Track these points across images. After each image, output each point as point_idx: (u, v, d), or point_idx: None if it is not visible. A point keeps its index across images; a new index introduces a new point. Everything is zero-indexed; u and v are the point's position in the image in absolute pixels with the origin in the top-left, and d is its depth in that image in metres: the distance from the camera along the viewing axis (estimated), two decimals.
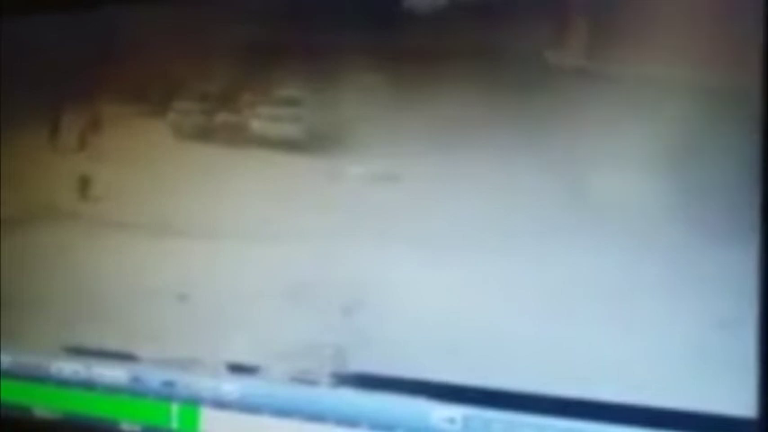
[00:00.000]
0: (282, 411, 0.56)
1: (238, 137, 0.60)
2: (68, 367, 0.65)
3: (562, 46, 0.49)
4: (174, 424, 0.61)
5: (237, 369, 0.58)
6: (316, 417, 0.55)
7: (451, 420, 0.51)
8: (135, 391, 0.62)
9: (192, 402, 0.60)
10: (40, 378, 0.66)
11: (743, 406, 0.44)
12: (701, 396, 0.45)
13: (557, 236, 0.49)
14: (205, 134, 0.61)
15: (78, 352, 0.65)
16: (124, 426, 0.62)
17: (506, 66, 0.51)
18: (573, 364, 0.48)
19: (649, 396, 0.46)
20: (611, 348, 0.47)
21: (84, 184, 0.66)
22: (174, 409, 0.61)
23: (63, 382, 0.65)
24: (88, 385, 0.64)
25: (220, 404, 0.59)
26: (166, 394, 0.61)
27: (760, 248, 0.44)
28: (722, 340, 0.44)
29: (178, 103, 0.62)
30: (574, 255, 0.48)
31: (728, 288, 0.44)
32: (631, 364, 0.46)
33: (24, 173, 0.69)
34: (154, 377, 0.61)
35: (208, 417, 0.59)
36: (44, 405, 0.66)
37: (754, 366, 0.43)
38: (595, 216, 0.48)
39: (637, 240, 0.47)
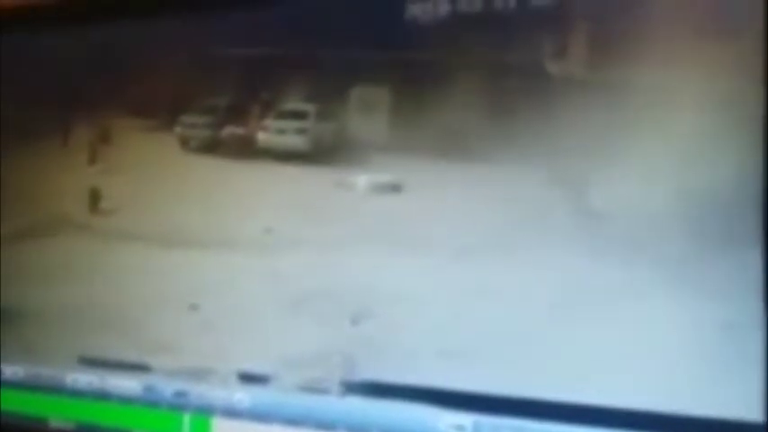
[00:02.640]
0: (293, 420, 0.56)
1: (245, 149, 0.61)
2: (83, 378, 0.65)
3: (564, 56, 0.50)
4: None
5: (248, 378, 0.59)
6: (326, 425, 0.55)
7: (460, 428, 0.51)
8: (148, 402, 0.63)
9: (204, 412, 0.60)
10: (55, 389, 0.67)
11: (750, 410, 0.44)
12: (709, 401, 0.45)
13: (562, 242, 0.49)
14: (213, 147, 0.62)
15: (92, 363, 0.65)
16: None
17: (509, 76, 0.51)
18: (581, 369, 0.48)
19: (657, 401, 0.46)
20: (618, 354, 0.47)
21: (95, 197, 0.67)
22: (187, 419, 0.61)
23: (77, 393, 0.66)
24: (102, 396, 0.65)
25: (232, 413, 0.59)
26: (179, 404, 0.61)
27: (764, 251, 0.44)
28: (728, 345, 0.44)
29: (186, 117, 0.63)
30: (580, 261, 0.49)
31: (734, 292, 0.44)
32: (639, 370, 0.46)
33: (35, 186, 0.70)
34: (166, 387, 0.62)
35: (220, 426, 0.60)
36: (59, 416, 0.66)
37: (761, 370, 0.43)
38: (600, 223, 0.48)
39: (642, 246, 0.47)
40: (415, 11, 0.54)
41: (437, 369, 0.52)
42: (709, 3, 0.46)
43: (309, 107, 0.58)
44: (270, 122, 0.60)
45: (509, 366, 0.50)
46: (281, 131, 0.60)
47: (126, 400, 0.64)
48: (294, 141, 0.59)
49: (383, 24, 0.55)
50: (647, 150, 0.47)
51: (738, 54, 0.45)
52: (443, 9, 0.53)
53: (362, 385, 0.54)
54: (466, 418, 0.51)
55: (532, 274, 0.50)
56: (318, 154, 0.58)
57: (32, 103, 0.70)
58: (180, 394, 0.61)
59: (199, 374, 0.61)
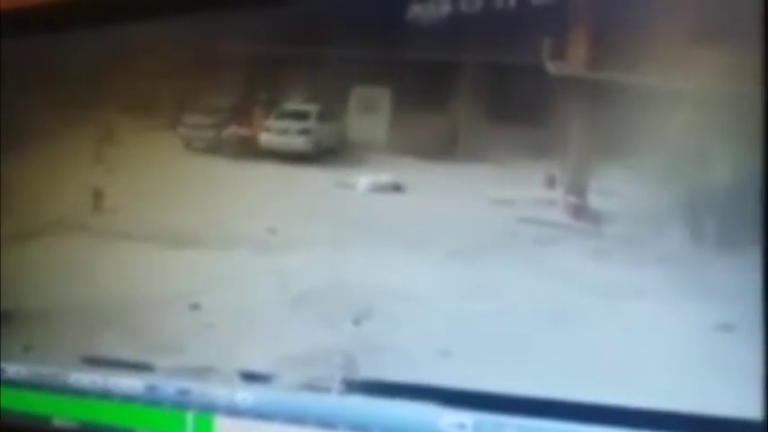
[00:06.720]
0: (295, 418, 0.57)
1: (248, 149, 0.61)
2: (86, 377, 0.66)
3: (565, 56, 0.50)
4: None
5: (250, 377, 0.59)
6: (327, 423, 0.55)
7: (461, 426, 0.51)
8: (151, 401, 0.63)
9: (207, 411, 0.61)
10: (59, 388, 0.67)
11: (749, 408, 0.44)
12: (708, 399, 0.45)
13: (562, 242, 0.49)
14: (216, 147, 0.63)
15: (95, 362, 0.66)
16: None
17: (509, 77, 0.51)
18: (582, 368, 0.48)
19: (657, 399, 0.46)
20: (618, 353, 0.47)
21: (98, 197, 0.67)
22: (189, 417, 0.61)
23: (80, 392, 0.66)
24: (105, 395, 0.65)
25: (234, 412, 0.59)
26: (181, 403, 0.62)
27: (764, 251, 0.44)
28: (728, 343, 0.45)
29: (189, 117, 0.64)
30: (580, 261, 0.49)
31: (733, 292, 0.44)
32: (639, 369, 0.47)
33: (39, 186, 0.70)
34: (169, 386, 0.62)
35: (222, 425, 0.60)
36: (62, 415, 0.67)
37: (760, 368, 0.43)
38: (600, 223, 0.48)
39: (642, 246, 0.47)
40: (416, 11, 0.54)
41: (438, 368, 0.52)
42: (709, 4, 0.46)
43: (311, 107, 0.59)
44: (272, 123, 0.61)
45: (510, 365, 0.50)
46: (283, 132, 0.60)
47: (129, 399, 0.64)
48: (296, 141, 0.59)
49: (384, 24, 0.55)
50: (647, 151, 0.47)
51: (738, 54, 0.45)
52: (444, 9, 0.53)
53: (364, 384, 0.55)
54: (467, 417, 0.51)
55: (533, 273, 0.50)
56: (320, 154, 0.58)
57: (36, 103, 0.70)
58: (182, 393, 0.62)
59: (201, 373, 0.61)
